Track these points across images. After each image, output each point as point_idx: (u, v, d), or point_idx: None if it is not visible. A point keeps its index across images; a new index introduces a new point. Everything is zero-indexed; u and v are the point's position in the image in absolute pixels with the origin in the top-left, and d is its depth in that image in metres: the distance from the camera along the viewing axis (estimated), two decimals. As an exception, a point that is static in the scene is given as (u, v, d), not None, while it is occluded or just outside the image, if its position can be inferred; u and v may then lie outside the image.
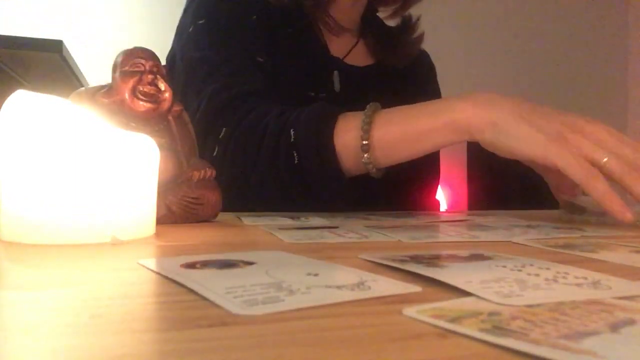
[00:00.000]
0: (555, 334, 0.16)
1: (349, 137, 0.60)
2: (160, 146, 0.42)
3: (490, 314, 0.18)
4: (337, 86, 0.84)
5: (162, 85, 0.48)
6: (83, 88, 0.47)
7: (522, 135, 0.53)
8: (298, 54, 0.82)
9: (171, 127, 0.50)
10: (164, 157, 0.44)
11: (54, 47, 1.14)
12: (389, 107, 0.74)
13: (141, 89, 0.46)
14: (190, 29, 0.79)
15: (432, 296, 0.22)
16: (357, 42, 0.91)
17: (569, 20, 3.42)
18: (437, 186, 0.98)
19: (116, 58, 0.48)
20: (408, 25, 0.93)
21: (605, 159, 0.51)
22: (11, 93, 0.36)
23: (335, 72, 0.84)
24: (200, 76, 0.74)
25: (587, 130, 0.53)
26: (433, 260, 0.28)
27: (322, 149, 0.60)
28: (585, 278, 0.24)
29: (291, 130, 0.61)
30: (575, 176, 0.50)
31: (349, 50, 0.89)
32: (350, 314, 0.19)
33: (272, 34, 0.80)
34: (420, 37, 0.93)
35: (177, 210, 0.48)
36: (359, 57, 0.90)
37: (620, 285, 0.23)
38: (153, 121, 0.48)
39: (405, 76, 0.92)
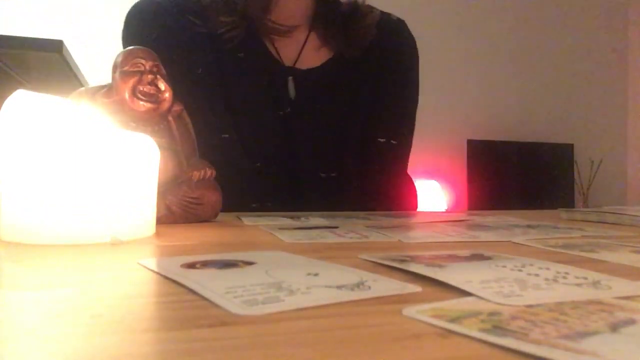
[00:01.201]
0: (555, 334, 0.16)
1: None
2: (160, 146, 0.42)
3: (490, 314, 0.18)
4: (292, 93, 0.81)
5: (162, 85, 0.48)
6: (83, 88, 0.47)
7: None
8: (247, 70, 0.79)
9: (171, 127, 0.50)
10: (164, 157, 0.44)
11: (54, 47, 1.14)
12: (350, 103, 0.73)
13: (141, 88, 0.46)
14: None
15: (432, 296, 0.22)
16: (306, 39, 0.85)
17: (569, 21, 3.41)
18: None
19: (116, 58, 0.48)
20: (355, 9, 0.87)
21: None
22: (11, 93, 0.36)
23: (289, 79, 0.81)
24: None
25: None
26: (433, 260, 0.28)
27: None
28: (585, 278, 0.24)
29: None
30: None
31: (299, 49, 0.85)
32: (350, 314, 0.19)
33: (217, 56, 0.78)
34: (372, 22, 0.87)
35: (177, 210, 0.48)
36: (313, 53, 0.85)
37: (620, 285, 0.23)
38: (153, 121, 0.48)
39: (370, 65, 0.87)
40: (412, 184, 0.90)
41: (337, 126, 0.83)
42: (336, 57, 0.85)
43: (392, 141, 0.86)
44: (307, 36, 0.86)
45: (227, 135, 0.77)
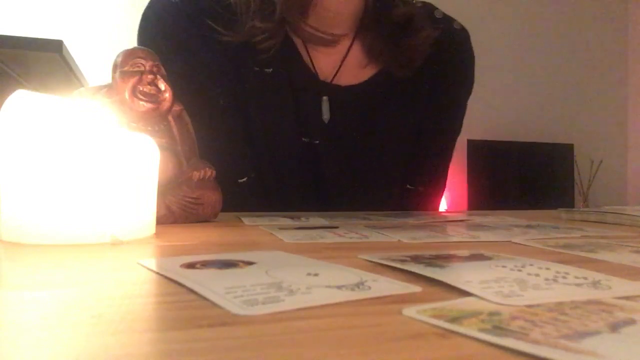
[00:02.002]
0: (555, 334, 0.16)
1: None
2: (160, 146, 0.42)
3: (490, 314, 0.18)
4: (325, 116, 0.68)
5: (162, 85, 0.48)
6: (83, 88, 0.47)
7: None
8: (273, 88, 0.67)
9: (171, 127, 0.50)
10: (164, 157, 0.44)
11: (54, 47, 1.14)
12: (396, 129, 0.63)
13: (141, 89, 0.46)
14: None
15: (432, 296, 0.22)
16: (348, 50, 0.70)
17: (569, 21, 3.42)
18: (439, 199, 0.84)
19: (116, 58, 0.48)
20: (410, 19, 0.70)
21: None
22: (11, 93, 0.36)
23: (324, 99, 0.69)
24: None
25: None
26: (433, 260, 0.28)
27: None
28: (585, 278, 0.24)
29: None
30: None
31: (340, 63, 0.70)
32: (350, 314, 0.19)
33: (240, 72, 0.66)
34: (427, 38, 0.70)
35: (177, 210, 0.48)
36: (355, 68, 0.71)
37: (620, 285, 0.23)
38: (153, 121, 0.48)
39: (422, 86, 0.72)
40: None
41: (377, 163, 0.71)
42: (382, 73, 0.72)
43: (421, 188, 0.76)
44: (350, 47, 0.71)
45: (245, 179, 0.66)
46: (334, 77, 0.70)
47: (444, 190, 0.81)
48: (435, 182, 0.78)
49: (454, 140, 0.82)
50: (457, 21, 0.78)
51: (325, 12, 0.66)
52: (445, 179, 0.80)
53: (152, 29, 0.68)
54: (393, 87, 0.72)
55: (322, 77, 0.70)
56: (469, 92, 0.80)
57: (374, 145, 0.71)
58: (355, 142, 0.71)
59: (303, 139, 0.69)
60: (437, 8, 0.77)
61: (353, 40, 0.72)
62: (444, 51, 0.73)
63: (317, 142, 0.68)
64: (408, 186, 0.75)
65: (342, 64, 0.70)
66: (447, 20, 0.77)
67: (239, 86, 0.67)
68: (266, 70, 0.67)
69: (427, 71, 0.72)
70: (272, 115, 0.68)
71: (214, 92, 0.65)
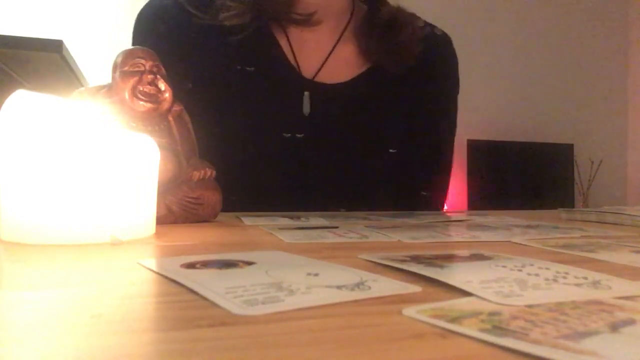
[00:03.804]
0: (555, 334, 0.16)
1: None
2: (160, 146, 0.42)
3: (490, 314, 0.18)
4: (306, 110, 0.68)
5: (162, 85, 0.48)
6: (83, 88, 0.47)
7: None
8: (253, 81, 0.67)
9: (171, 127, 0.50)
10: (164, 157, 0.44)
11: (54, 47, 1.14)
12: (382, 126, 0.63)
13: (141, 89, 0.46)
14: None
15: (432, 296, 0.22)
16: (334, 46, 0.71)
17: (569, 20, 3.42)
18: (443, 201, 0.83)
19: (116, 58, 0.48)
20: (394, 17, 0.72)
21: None
22: (11, 93, 0.36)
23: (306, 94, 0.68)
24: None
25: None
26: (433, 260, 0.28)
27: None
28: (585, 278, 0.24)
29: None
30: None
31: (324, 59, 0.70)
32: (350, 314, 0.19)
33: (218, 71, 0.67)
34: (413, 35, 0.72)
35: (177, 210, 0.48)
36: (341, 66, 0.71)
37: (620, 285, 0.23)
38: (153, 121, 0.48)
39: (407, 86, 0.73)
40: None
41: (361, 159, 0.71)
42: (371, 71, 0.72)
43: (423, 192, 0.75)
44: (336, 43, 0.72)
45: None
46: (316, 73, 0.71)
47: (446, 192, 0.80)
48: (436, 183, 0.78)
49: (449, 140, 0.81)
50: (438, 27, 0.82)
51: (308, 6, 0.69)
52: (447, 182, 0.80)
53: (144, 29, 0.71)
54: (381, 86, 0.72)
55: (306, 74, 0.70)
56: (456, 89, 0.82)
57: (358, 141, 0.71)
58: (339, 137, 0.70)
59: (284, 134, 0.69)
60: (419, 17, 0.79)
61: (340, 38, 0.72)
62: (428, 52, 0.75)
63: (301, 135, 0.68)
64: (423, 192, 0.74)
65: (327, 60, 0.71)
66: (429, 25, 0.80)
67: (221, 85, 0.68)
68: (248, 69, 0.68)
69: (415, 70, 0.73)
70: (253, 112, 0.68)
71: (181, 75, 0.65)
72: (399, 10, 0.74)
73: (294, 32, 0.71)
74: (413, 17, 0.76)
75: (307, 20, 0.69)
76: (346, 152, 0.71)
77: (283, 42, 0.71)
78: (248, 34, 0.67)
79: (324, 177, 0.70)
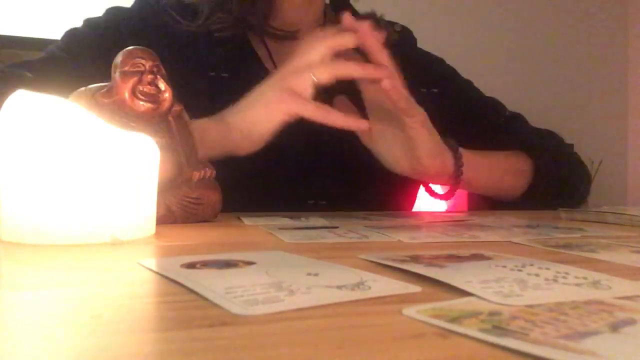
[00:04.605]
0: (555, 334, 0.16)
1: None
2: (160, 146, 0.42)
3: (490, 314, 0.18)
4: None
5: (162, 85, 0.48)
6: (83, 88, 0.47)
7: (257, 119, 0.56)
8: (230, 91, 0.67)
9: (171, 127, 0.50)
10: (164, 157, 0.44)
11: (54, 47, 1.14)
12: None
13: (141, 89, 0.46)
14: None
15: (432, 296, 0.22)
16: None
17: (569, 20, 3.42)
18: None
19: (116, 58, 0.48)
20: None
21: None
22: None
23: None
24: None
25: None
26: (433, 260, 0.28)
27: None
28: (585, 278, 0.24)
29: None
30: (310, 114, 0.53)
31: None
32: (350, 314, 0.19)
33: (190, 77, 0.67)
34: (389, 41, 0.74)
35: (177, 210, 0.48)
36: None
37: (620, 285, 0.23)
38: (153, 121, 0.48)
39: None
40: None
41: (346, 159, 0.72)
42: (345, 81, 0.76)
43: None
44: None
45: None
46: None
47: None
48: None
49: (477, 97, 0.87)
50: (398, 23, 0.86)
51: (285, 14, 0.73)
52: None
53: (119, 18, 0.76)
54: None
55: None
56: (447, 68, 0.87)
57: (339, 140, 0.70)
58: (320, 139, 0.70)
59: None
60: (395, 22, 0.83)
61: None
62: (397, 48, 0.76)
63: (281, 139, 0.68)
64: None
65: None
66: (389, 23, 0.83)
67: (194, 91, 0.66)
68: (223, 75, 0.71)
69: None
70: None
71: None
72: (370, 16, 0.75)
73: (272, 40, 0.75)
74: (386, 22, 0.78)
75: (289, 37, 0.72)
76: (330, 153, 0.73)
77: (261, 49, 0.74)
78: (224, 41, 0.70)
79: (304, 173, 0.72)
